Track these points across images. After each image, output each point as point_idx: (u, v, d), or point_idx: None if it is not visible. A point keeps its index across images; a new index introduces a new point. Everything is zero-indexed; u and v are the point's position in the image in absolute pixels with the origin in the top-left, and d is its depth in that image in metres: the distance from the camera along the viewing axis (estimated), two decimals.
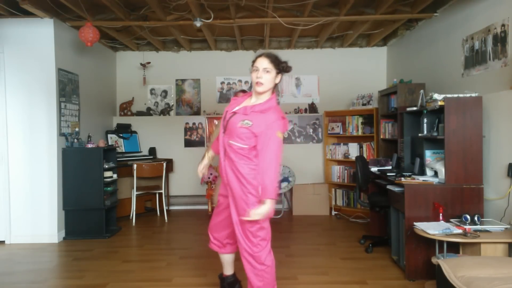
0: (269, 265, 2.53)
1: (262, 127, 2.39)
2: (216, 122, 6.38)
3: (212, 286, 3.28)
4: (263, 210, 2.36)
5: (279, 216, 5.80)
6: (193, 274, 3.57)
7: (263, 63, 2.44)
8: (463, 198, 3.31)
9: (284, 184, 5.89)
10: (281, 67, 2.50)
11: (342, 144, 6.08)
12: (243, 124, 2.42)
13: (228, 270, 2.90)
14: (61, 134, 4.72)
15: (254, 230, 2.48)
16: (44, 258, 4.08)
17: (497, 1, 3.51)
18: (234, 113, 2.49)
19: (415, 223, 3.17)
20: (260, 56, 2.47)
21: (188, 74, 6.65)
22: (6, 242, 4.59)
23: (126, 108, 6.54)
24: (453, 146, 3.31)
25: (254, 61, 2.49)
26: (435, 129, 3.53)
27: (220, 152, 2.57)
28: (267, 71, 2.44)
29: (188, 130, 6.49)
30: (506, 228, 3.04)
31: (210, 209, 5.99)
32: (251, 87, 6.60)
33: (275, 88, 2.53)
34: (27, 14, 4.37)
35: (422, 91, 3.91)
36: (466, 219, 3.10)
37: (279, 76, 2.51)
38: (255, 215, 2.37)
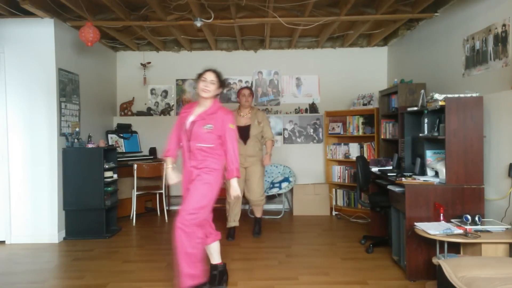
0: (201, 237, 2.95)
1: (220, 125, 2.96)
2: None
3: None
4: (234, 188, 2.98)
5: (279, 217, 5.79)
6: None
7: (211, 76, 3.02)
8: (463, 198, 3.30)
9: (284, 184, 5.88)
10: (222, 82, 3.10)
11: (342, 144, 6.08)
12: (206, 128, 2.95)
13: (218, 259, 3.17)
14: (61, 134, 4.72)
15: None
16: (44, 258, 4.08)
17: (498, 1, 3.51)
18: (193, 122, 2.98)
19: (415, 223, 3.16)
20: (208, 70, 3.06)
21: (189, 74, 6.64)
22: (6, 242, 4.59)
23: (126, 108, 6.54)
24: (453, 146, 3.30)
25: (202, 74, 3.05)
26: (435, 129, 3.53)
27: (184, 155, 3.05)
28: (213, 83, 3.01)
29: None
30: (507, 228, 3.03)
31: None
32: (251, 87, 6.61)
33: (216, 96, 3.10)
34: (28, 14, 4.37)
35: (422, 91, 3.90)
36: (467, 219, 3.09)
37: (220, 88, 3.09)
38: (234, 191, 2.98)
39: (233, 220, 4.67)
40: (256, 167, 4.66)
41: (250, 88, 4.82)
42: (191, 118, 3.02)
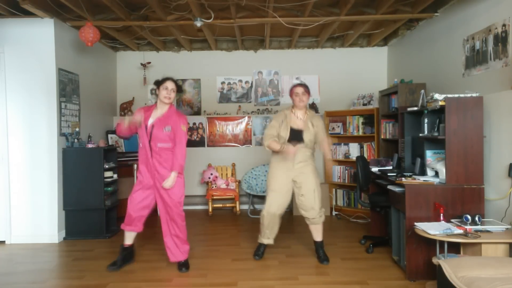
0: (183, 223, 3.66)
1: (174, 127, 3.42)
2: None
3: (212, 286, 3.28)
4: (170, 179, 3.40)
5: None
6: (193, 274, 3.57)
7: (171, 85, 3.46)
8: (464, 198, 3.30)
9: None
10: (179, 88, 3.56)
11: (342, 144, 6.08)
12: (166, 130, 3.42)
13: (131, 241, 3.75)
14: (61, 134, 4.72)
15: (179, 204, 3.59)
16: (44, 258, 4.08)
17: (498, 1, 3.51)
18: (153, 125, 3.42)
19: (415, 223, 3.16)
20: (168, 79, 3.47)
21: (189, 74, 6.65)
22: (6, 242, 4.59)
23: (126, 108, 6.54)
24: (454, 146, 3.30)
25: (163, 83, 3.45)
26: (435, 129, 3.53)
27: (145, 155, 3.48)
28: (173, 91, 3.47)
29: (188, 130, 6.49)
30: (507, 228, 3.03)
31: (210, 209, 5.98)
32: (251, 87, 6.61)
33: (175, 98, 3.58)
34: (28, 14, 4.37)
35: (422, 91, 3.90)
36: (467, 219, 3.09)
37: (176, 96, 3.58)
38: (168, 183, 3.40)
39: (267, 236, 3.93)
40: (308, 175, 3.81)
41: (304, 85, 3.87)
42: (150, 121, 3.44)
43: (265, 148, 3.83)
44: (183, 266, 3.64)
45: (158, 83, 3.49)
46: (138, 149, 3.58)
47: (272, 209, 3.80)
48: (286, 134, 3.76)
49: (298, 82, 3.83)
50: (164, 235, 3.66)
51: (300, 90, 3.79)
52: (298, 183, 3.80)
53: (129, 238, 3.74)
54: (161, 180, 3.46)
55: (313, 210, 3.78)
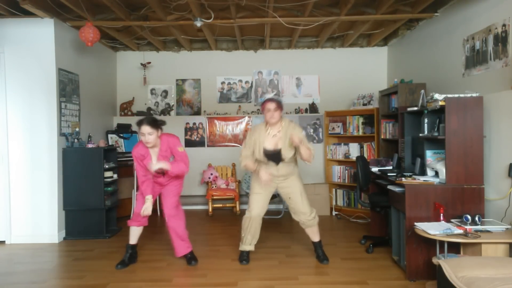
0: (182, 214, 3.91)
1: (173, 152, 3.67)
2: (216, 123, 6.39)
3: (212, 286, 3.28)
4: (160, 164, 3.53)
5: (279, 217, 5.79)
6: (193, 274, 3.57)
7: (147, 129, 3.47)
8: (463, 198, 3.30)
9: None
10: (158, 125, 3.55)
11: (342, 144, 6.08)
12: (171, 160, 3.67)
13: (136, 240, 3.85)
14: (61, 134, 4.72)
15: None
16: (44, 258, 4.08)
17: (498, 1, 3.51)
18: (159, 160, 3.61)
19: (415, 223, 3.16)
20: (142, 124, 3.49)
21: (189, 74, 6.65)
22: (6, 242, 4.59)
23: (126, 108, 6.54)
24: (453, 146, 3.30)
25: (139, 128, 3.50)
26: (435, 129, 3.53)
27: (159, 177, 3.72)
28: (150, 134, 3.49)
29: (188, 130, 6.49)
30: (507, 228, 3.03)
31: (210, 209, 5.98)
32: (251, 87, 6.61)
33: (159, 132, 3.59)
34: (28, 14, 4.37)
35: (422, 91, 3.90)
36: (467, 219, 3.09)
37: (158, 130, 3.56)
38: (155, 166, 3.54)
39: (249, 243, 3.84)
40: (294, 183, 3.75)
41: (276, 101, 3.59)
42: (154, 160, 3.61)
43: (242, 169, 3.85)
44: (192, 259, 3.79)
45: (138, 126, 3.57)
46: (142, 177, 3.67)
47: (255, 211, 3.77)
48: (260, 156, 3.63)
49: (269, 96, 3.63)
50: (169, 231, 3.86)
51: (272, 106, 3.54)
52: (284, 191, 3.80)
53: (134, 236, 3.84)
54: (168, 185, 3.82)
55: (303, 214, 3.76)
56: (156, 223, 5.54)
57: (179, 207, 3.89)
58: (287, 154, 3.59)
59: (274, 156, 3.61)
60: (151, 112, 6.57)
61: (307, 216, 3.77)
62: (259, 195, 3.79)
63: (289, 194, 3.77)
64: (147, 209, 3.62)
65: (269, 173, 3.63)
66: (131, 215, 3.81)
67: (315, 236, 3.90)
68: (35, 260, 4.01)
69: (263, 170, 3.63)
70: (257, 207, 3.78)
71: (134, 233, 3.84)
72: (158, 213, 5.94)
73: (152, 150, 3.64)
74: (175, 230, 3.79)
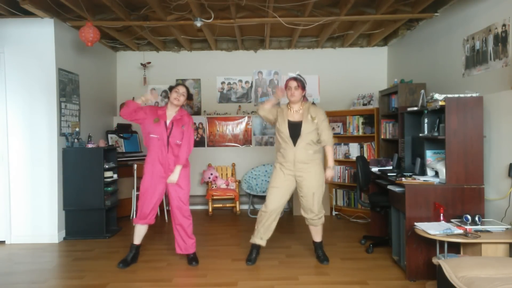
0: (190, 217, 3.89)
1: (186, 126, 3.77)
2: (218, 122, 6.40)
3: (212, 286, 3.28)
4: (176, 173, 3.70)
5: (279, 217, 5.77)
6: (193, 274, 3.57)
7: (183, 89, 3.77)
8: (463, 198, 3.30)
9: None
10: (190, 94, 3.86)
11: (342, 144, 6.08)
12: (182, 129, 3.74)
13: (140, 241, 3.85)
14: (61, 134, 4.72)
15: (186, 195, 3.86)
16: (44, 258, 4.08)
17: (498, 1, 3.51)
18: (172, 123, 3.72)
19: (415, 223, 3.16)
20: (181, 84, 3.82)
21: (189, 74, 6.65)
22: (6, 242, 4.59)
23: None
24: (454, 146, 3.30)
25: (175, 86, 3.77)
26: (435, 129, 3.53)
27: (159, 149, 3.69)
28: (183, 95, 3.75)
29: None
30: (507, 228, 3.03)
31: (210, 209, 5.98)
32: (251, 87, 6.61)
33: (185, 101, 3.86)
34: (28, 14, 4.36)
35: (422, 91, 3.90)
36: (467, 219, 3.10)
37: (186, 100, 3.85)
38: (174, 177, 3.70)
39: (260, 236, 3.78)
40: (310, 178, 3.67)
41: (298, 80, 3.69)
42: (168, 120, 3.73)
43: (259, 114, 3.84)
44: (193, 260, 3.80)
45: (171, 87, 3.78)
46: (149, 143, 3.71)
47: (272, 206, 3.71)
48: (285, 128, 3.66)
49: (293, 75, 3.69)
50: (173, 228, 3.84)
51: (293, 84, 3.66)
52: (299, 183, 3.72)
53: (138, 236, 3.82)
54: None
55: (311, 212, 3.73)
56: (156, 223, 5.51)
57: (187, 202, 3.86)
58: (306, 129, 3.63)
59: (295, 128, 3.65)
60: None
61: (314, 215, 3.74)
62: (276, 189, 3.72)
63: (303, 193, 3.72)
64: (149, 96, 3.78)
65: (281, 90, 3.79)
66: (135, 213, 3.78)
67: (317, 236, 3.88)
68: (35, 260, 4.01)
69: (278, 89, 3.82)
70: (273, 202, 3.71)
71: (139, 233, 3.80)
72: (158, 212, 5.93)
73: (169, 114, 3.75)
74: (184, 229, 3.78)
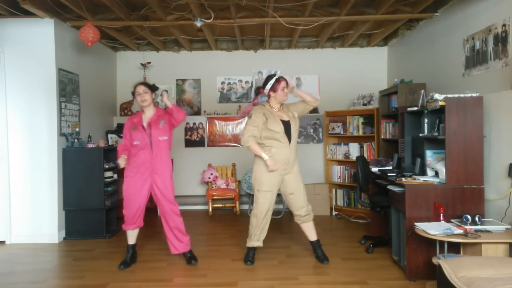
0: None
1: (167, 118, 3.74)
2: (216, 122, 6.41)
3: (212, 286, 3.28)
4: (167, 98, 3.76)
5: (279, 217, 5.79)
6: (193, 274, 3.57)
7: (142, 88, 3.69)
8: (464, 198, 3.30)
9: None
10: (153, 88, 3.78)
11: (342, 144, 6.08)
12: (162, 125, 3.69)
13: (134, 240, 3.86)
14: (61, 134, 4.72)
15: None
16: (45, 258, 4.08)
17: (498, 1, 3.51)
18: (149, 125, 3.67)
19: (415, 223, 3.16)
20: (138, 85, 3.74)
21: (189, 74, 6.65)
22: (6, 242, 4.59)
23: (126, 108, 6.54)
24: (454, 146, 3.30)
25: (134, 89, 3.71)
26: (435, 129, 3.53)
27: (145, 154, 3.65)
28: (145, 92, 3.68)
29: (188, 130, 6.49)
30: (507, 228, 3.03)
31: (210, 209, 5.98)
32: (251, 87, 6.61)
33: (153, 100, 3.80)
34: (28, 14, 4.36)
35: (422, 91, 3.91)
36: (467, 219, 3.09)
37: (153, 93, 3.78)
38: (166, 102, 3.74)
39: (257, 238, 3.82)
40: (295, 173, 3.78)
41: (285, 78, 3.77)
42: (145, 123, 3.70)
43: (244, 147, 3.72)
44: (192, 258, 3.81)
45: (133, 92, 3.75)
46: (133, 149, 3.70)
47: (265, 208, 3.73)
48: (279, 128, 3.61)
49: (279, 75, 3.73)
50: (164, 229, 3.84)
51: (285, 84, 3.72)
52: (288, 181, 3.75)
53: (132, 237, 3.84)
54: (160, 175, 3.69)
55: (302, 208, 3.79)
56: (155, 223, 5.54)
57: (175, 201, 3.83)
58: (294, 126, 3.73)
59: (287, 127, 3.68)
60: None
61: (305, 210, 3.79)
62: (268, 192, 3.72)
63: (292, 189, 3.75)
64: (121, 163, 3.58)
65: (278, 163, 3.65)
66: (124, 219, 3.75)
67: (312, 234, 3.88)
68: (35, 260, 4.01)
69: (270, 159, 3.59)
70: (266, 204, 3.74)
71: (132, 234, 3.85)
72: (158, 213, 5.93)
73: (144, 117, 3.72)
74: (178, 227, 3.79)
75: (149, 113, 3.76)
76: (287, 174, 3.73)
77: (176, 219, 3.78)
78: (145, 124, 3.70)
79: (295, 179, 3.76)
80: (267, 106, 3.74)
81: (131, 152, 3.71)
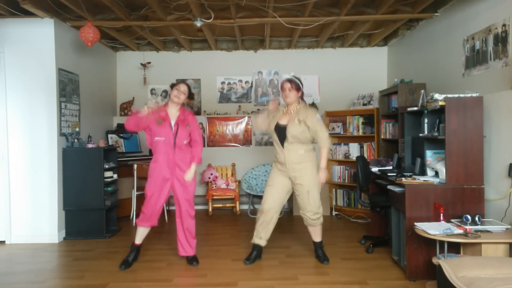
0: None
1: (192, 125, 3.75)
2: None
3: (212, 286, 3.28)
4: (192, 171, 3.71)
5: (279, 217, 5.78)
6: (193, 274, 3.57)
7: (184, 87, 3.70)
8: (464, 198, 3.30)
9: None
10: (190, 95, 3.78)
11: (342, 144, 6.07)
12: (188, 128, 3.72)
13: (141, 241, 3.85)
14: (61, 134, 4.72)
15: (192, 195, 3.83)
16: (44, 258, 4.08)
17: (498, 1, 3.51)
18: (176, 123, 3.67)
19: (415, 223, 3.16)
20: (182, 82, 3.75)
21: (189, 74, 6.65)
22: (6, 242, 4.59)
23: (126, 108, 6.54)
24: (453, 146, 3.30)
25: (177, 84, 3.71)
26: (435, 129, 3.53)
27: (165, 151, 3.64)
28: (184, 94, 3.68)
29: None
30: (507, 228, 3.03)
31: (210, 209, 5.98)
32: (251, 87, 6.61)
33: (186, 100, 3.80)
34: (28, 14, 4.36)
35: (422, 91, 3.91)
36: (467, 219, 3.09)
37: (186, 99, 3.77)
38: (191, 174, 3.70)
39: (259, 236, 3.80)
40: (304, 177, 3.68)
41: (293, 81, 3.70)
42: (172, 121, 3.69)
43: (255, 132, 3.92)
44: (194, 260, 3.81)
45: (173, 85, 3.73)
46: (155, 146, 3.67)
47: (267, 204, 3.75)
48: (272, 131, 3.80)
49: (288, 77, 3.71)
50: (177, 229, 3.82)
51: (287, 86, 3.68)
52: (293, 182, 3.76)
53: (141, 236, 3.82)
54: (181, 174, 3.69)
55: (308, 212, 3.74)
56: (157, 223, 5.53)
57: (193, 203, 3.85)
58: (290, 132, 3.64)
59: (280, 131, 3.72)
60: None
61: (311, 214, 3.74)
62: (271, 187, 3.78)
63: (297, 190, 3.76)
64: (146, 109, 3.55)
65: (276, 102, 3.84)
66: (135, 214, 3.77)
67: (316, 236, 3.88)
68: (35, 260, 4.01)
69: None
70: (268, 200, 3.76)
71: (142, 234, 3.81)
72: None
73: (171, 114, 3.69)
74: (189, 229, 3.79)
75: (174, 110, 3.72)
76: (294, 175, 3.70)
77: (190, 220, 3.78)
78: (173, 122, 3.68)
79: (302, 182, 3.70)
80: (282, 107, 3.86)
81: (152, 146, 3.71)
